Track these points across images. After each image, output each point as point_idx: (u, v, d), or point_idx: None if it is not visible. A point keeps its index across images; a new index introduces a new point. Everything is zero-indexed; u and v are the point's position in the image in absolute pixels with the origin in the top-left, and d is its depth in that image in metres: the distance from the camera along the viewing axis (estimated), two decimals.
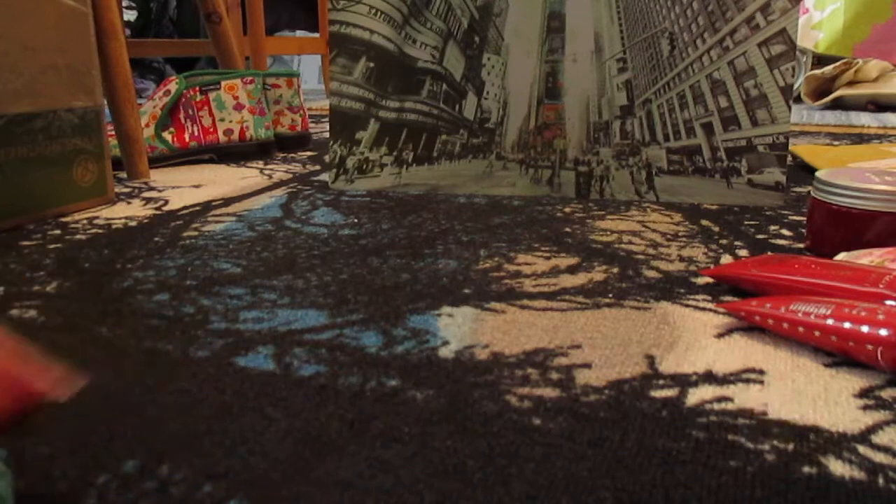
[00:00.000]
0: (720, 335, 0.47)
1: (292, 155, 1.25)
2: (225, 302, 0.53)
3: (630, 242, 0.67)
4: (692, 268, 0.60)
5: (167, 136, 1.11)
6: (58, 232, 0.73)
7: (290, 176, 1.04)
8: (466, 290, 0.55)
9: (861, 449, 0.34)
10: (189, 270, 0.60)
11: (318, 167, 1.12)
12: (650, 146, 0.84)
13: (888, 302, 0.44)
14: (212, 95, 1.14)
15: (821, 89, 1.92)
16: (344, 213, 0.80)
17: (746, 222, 0.74)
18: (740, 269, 0.54)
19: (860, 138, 1.39)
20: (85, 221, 0.78)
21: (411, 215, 0.77)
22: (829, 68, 1.90)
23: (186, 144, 1.13)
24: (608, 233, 0.71)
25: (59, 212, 0.80)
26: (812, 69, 1.98)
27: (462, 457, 0.34)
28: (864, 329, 0.41)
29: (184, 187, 0.95)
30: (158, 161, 1.10)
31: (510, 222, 0.75)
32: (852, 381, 0.41)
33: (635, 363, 0.43)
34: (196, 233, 0.72)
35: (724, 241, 0.68)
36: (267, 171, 1.08)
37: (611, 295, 0.54)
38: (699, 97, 0.82)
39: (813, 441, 0.35)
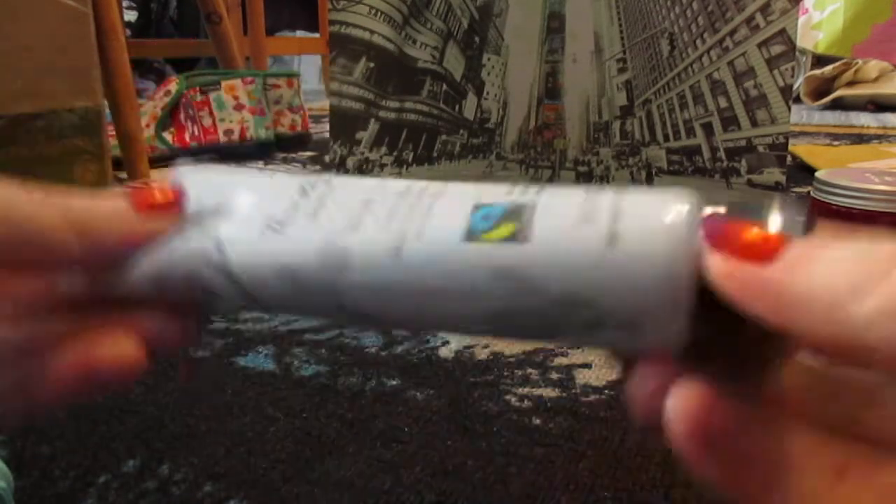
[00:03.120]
0: None
1: (292, 155, 1.25)
2: None
3: None
4: None
5: (167, 136, 1.11)
6: None
7: None
8: None
9: None
10: None
11: (318, 167, 1.12)
12: (650, 146, 0.84)
13: None
14: (212, 95, 1.14)
15: (821, 89, 1.92)
16: None
17: None
18: None
19: (860, 138, 1.39)
20: None
21: None
22: (828, 68, 1.90)
23: (187, 144, 1.13)
24: None
25: None
26: (812, 69, 1.98)
27: (462, 457, 0.34)
28: None
29: None
30: (158, 161, 1.10)
31: None
32: None
33: None
34: None
35: None
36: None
37: None
38: (699, 97, 0.82)
39: None
